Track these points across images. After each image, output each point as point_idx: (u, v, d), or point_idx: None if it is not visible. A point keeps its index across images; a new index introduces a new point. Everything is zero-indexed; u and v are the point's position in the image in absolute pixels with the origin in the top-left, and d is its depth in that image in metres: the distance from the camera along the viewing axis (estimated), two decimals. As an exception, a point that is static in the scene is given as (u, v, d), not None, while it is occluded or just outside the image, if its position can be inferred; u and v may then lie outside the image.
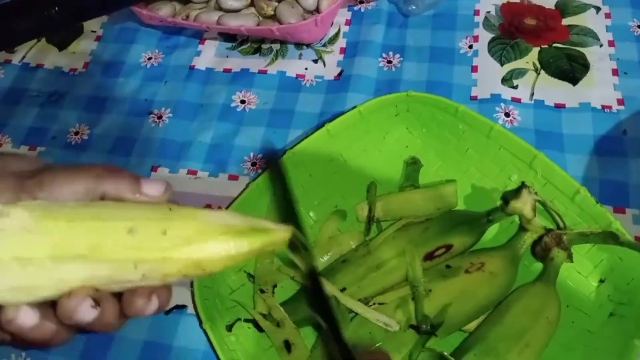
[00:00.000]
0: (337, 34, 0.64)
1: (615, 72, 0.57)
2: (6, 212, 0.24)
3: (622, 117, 0.54)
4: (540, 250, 0.46)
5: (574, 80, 0.57)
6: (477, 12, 0.63)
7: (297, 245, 0.29)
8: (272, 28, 0.57)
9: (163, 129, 0.59)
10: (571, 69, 0.58)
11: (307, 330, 0.45)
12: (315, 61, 0.62)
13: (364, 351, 0.41)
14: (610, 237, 0.43)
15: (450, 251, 0.46)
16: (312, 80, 0.60)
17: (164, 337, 0.47)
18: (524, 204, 0.45)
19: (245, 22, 0.60)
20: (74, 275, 0.24)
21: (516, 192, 0.45)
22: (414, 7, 0.63)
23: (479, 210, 0.48)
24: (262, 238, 0.27)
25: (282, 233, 0.28)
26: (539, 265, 0.46)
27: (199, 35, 0.66)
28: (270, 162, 0.33)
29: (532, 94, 0.56)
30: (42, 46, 0.68)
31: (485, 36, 0.61)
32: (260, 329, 0.45)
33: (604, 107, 0.55)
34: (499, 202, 0.48)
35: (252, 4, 0.62)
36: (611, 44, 0.59)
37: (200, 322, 0.43)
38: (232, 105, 0.60)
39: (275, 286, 0.47)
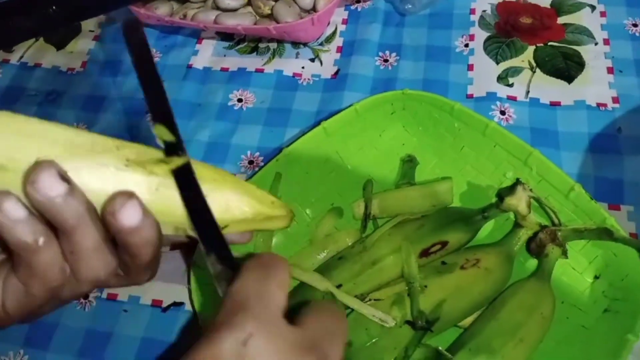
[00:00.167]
0: (334, 32, 0.64)
1: (610, 70, 0.57)
2: None
3: (617, 114, 0.54)
4: (535, 247, 0.46)
5: (569, 79, 0.57)
6: (473, 11, 0.63)
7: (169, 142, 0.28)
8: (269, 27, 0.57)
9: (161, 128, 0.59)
10: (566, 67, 0.58)
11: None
12: (312, 60, 0.62)
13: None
14: (604, 233, 0.43)
15: (446, 248, 0.46)
16: (309, 79, 0.61)
17: (161, 334, 0.47)
18: (518, 201, 0.45)
19: (242, 21, 0.60)
20: (52, 135, 0.24)
21: (511, 189, 0.46)
22: (410, 6, 0.63)
23: (475, 207, 0.48)
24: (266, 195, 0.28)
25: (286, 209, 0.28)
26: (534, 262, 0.47)
27: (197, 35, 0.66)
28: (126, 22, 0.29)
29: (528, 92, 0.57)
30: (40, 45, 0.68)
31: (481, 35, 0.61)
32: (257, 325, 0.45)
33: (599, 105, 0.55)
34: (494, 199, 0.48)
35: (249, 3, 0.63)
36: (606, 42, 0.59)
37: (197, 319, 0.44)
38: (230, 104, 0.60)
39: (272, 283, 0.47)
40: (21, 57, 0.68)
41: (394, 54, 0.61)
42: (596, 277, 0.45)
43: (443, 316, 0.42)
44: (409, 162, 0.52)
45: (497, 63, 0.59)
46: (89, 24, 0.69)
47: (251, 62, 0.63)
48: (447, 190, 0.48)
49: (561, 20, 0.61)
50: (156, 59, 0.65)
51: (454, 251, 0.46)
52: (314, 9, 0.60)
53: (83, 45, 0.68)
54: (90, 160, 0.25)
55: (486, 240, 0.48)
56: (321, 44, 0.63)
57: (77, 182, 0.25)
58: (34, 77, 0.66)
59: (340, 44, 0.63)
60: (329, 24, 0.64)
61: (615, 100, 0.55)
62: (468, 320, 0.44)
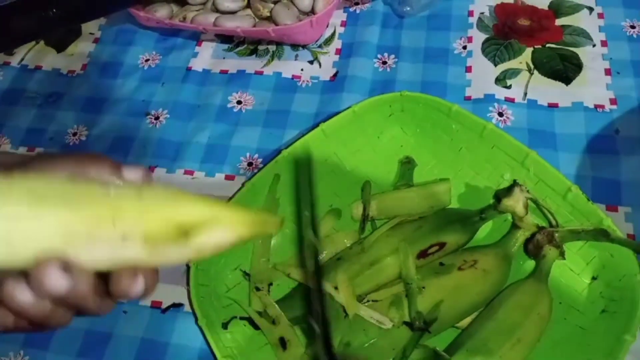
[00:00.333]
0: (333, 35, 0.64)
1: (608, 72, 0.57)
2: None
3: (615, 116, 0.54)
4: (532, 248, 0.46)
5: (567, 80, 0.57)
6: (471, 13, 0.64)
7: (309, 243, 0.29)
8: (268, 29, 0.58)
9: (160, 130, 0.60)
10: (564, 68, 0.58)
11: (302, 327, 0.46)
12: (311, 62, 0.63)
13: None
14: (601, 235, 0.43)
15: (444, 249, 0.46)
16: (307, 81, 0.61)
17: (160, 335, 0.47)
18: (516, 202, 0.45)
19: (241, 24, 0.60)
20: (49, 229, 0.24)
21: (508, 191, 0.46)
22: (408, 9, 0.63)
23: (472, 209, 0.48)
24: (252, 215, 0.26)
25: (273, 219, 0.27)
26: (531, 263, 0.47)
27: (196, 37, 0.66)
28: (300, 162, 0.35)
29: (526, 94, 0.57)
30: (40, 48, 0.69)
31: (479, 37, 0.62)
32: (255, 326, 0.45)
33: (596, 106, 0.55)
34: (491, 201, 0.48)
35: (248, 6, 0.63)
36: (604, 43, 0.59)
37: (196, 320, 0.44)
38: (229, 106, 0.60)
39: (270, 284, 0.48)
40: (22, 59, 0.68)
41: (392, 56, 0.62)
42: (593, 278, 0.45)
43: (441, 317, 0.42)
44: (407, 164, 0.52)
45: (495, 65, 0.59)
46: (90, 27, 0.70)
47: (250, 64, 0.63)
48: (445, 191, 0.49)
49: (559, 22, 0.62)
50: (156, 62, 0.65)
51: (451, 252, 0.47)
52: (312, 11, 0.61)
53: (83, 47, 0.68)
54: (89, 245, 0.25)
55: (484, 241, 0.48)
56: (320, 46, 0.64)
57: (77, 264, 0.25)
58: (34, 79, 0.66)
59: (339, 46, 0.63)
60: (327, 26, 0.65)
61: (612, 101, 0.55)
62: (466, 321, 0.44)
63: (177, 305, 0.49)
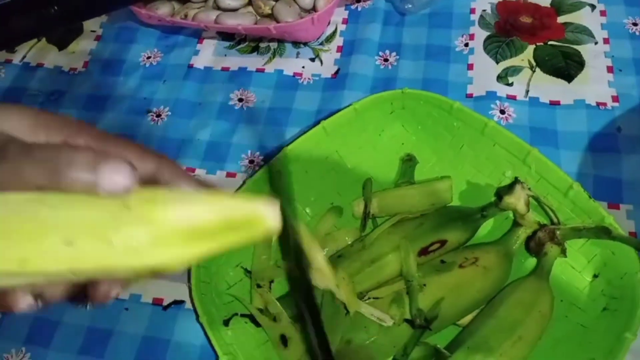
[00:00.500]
0: (334, 32, 0.64)
1: (610, 70, 0.57)
2: None
3: (617, 114, 0.54)
4: (534, 246, 0.46)
5: (569, 78, 0.57)
6: (472, 11, 0.64)
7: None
8: (269, 27, 0.58)
9: (162, 127, 0.60)
10: (566, 66, 0.58)
11: (303, 325, 0.46)
12: (313, 59, 0.62)
13: None
14: (603, 232, 0.43)
15: (445, 246, 0.46)
16: (309, 79, 0.61)
17: (161, 332, 0.48)
18: (517, 200, 0.45)
19: (243, 21, 0.60)
20: (6, 282, 0.23)
21: (510, 188, 0.46)
22: (410, 6, 0.63)
23: (474, 206, 0.48)
24: (235, 237, 0.24)
25: (265, 224, 0.24)
26: (532, 261, 0.47)
27: (198, 35, 0.66)
28: (272, 161, 0.34)
29: (527, 91, 0.57)
30: (42, 46, 0.69)
31: (481, 34, 0.61)
32: (257, 323, 0.45)
33: (598, 104, 0.55)
34: (493, 198, 0.48)
35: (249, 3, 0.63)
36: (606, 41, 0.59)
37: (198, 317, 0.44)
38: (230, 103, 0.60)
39: (272, 282, 0.48)
40: (23, 57, 0.68)
41: (394, 54, 0.61)
42: (595, 276, 0.45)
43: (442, 314, 0.42)
44: (409, 161, 0.52)
45: (497, 62, 0.59)
46: (91, 24, 0.70)
47: (252, 62, 0.63)
48: (446, 189, 0.49)
49: (561, 19, 0.62)
50: (157, 59, 0.65)
51: (453, 250, 0.47)
52: (314, 8, 0.61)
53: (85, 45, 0.68)
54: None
55: (485, 239, 0.48)
56: (321, 44, 0.64)
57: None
58: (36, 77, 0.66)
59: (341, 44, 0.63)
60: (329, 23, 0.65)
61: (615, 99, 0.55)
62: (467, 319, 0.44)
63: (178, 303, 0.49)
